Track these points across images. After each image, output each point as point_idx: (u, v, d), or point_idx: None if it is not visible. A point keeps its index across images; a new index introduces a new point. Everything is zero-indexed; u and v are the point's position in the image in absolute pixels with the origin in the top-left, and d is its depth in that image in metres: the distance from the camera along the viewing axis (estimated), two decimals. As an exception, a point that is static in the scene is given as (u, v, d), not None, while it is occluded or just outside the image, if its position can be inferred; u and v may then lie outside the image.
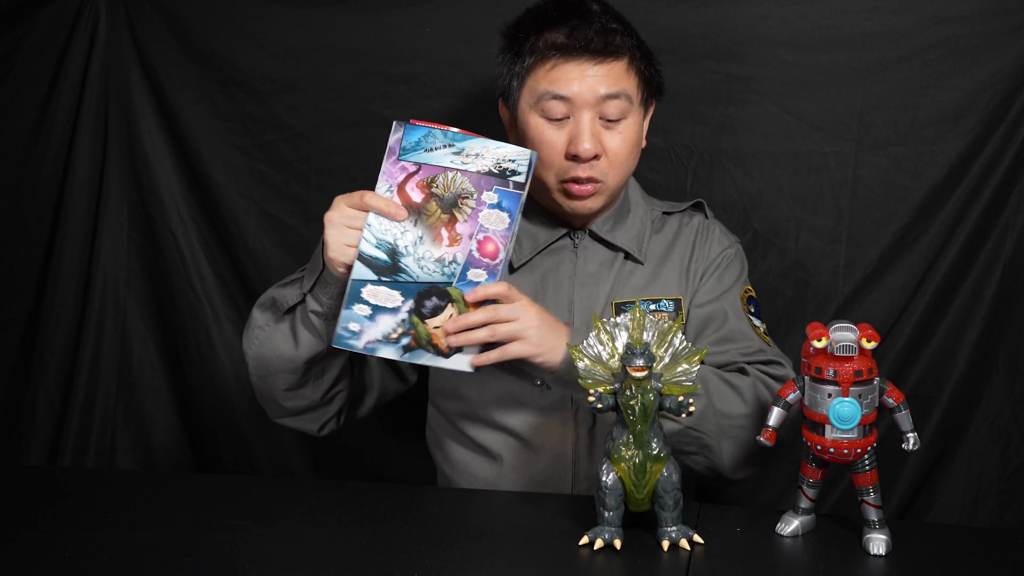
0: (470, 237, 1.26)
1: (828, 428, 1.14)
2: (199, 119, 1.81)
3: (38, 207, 1.84)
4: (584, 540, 1.16)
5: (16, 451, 1.86)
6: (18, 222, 1.83)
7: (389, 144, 1.25)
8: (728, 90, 1.67)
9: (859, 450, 1.14)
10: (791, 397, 1.17)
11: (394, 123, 1.25)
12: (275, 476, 1.88)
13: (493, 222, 1.26)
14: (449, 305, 1.27)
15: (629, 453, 1.13)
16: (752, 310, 1.47)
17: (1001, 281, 1.64)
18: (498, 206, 1.26)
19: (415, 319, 1.27)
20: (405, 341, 1.28)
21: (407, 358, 1.29)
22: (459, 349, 1.29)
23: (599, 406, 1.14)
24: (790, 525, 1.20)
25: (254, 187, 1.82)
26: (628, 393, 1.12)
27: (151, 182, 1.84)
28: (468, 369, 1.30)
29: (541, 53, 1.38)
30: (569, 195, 1.40)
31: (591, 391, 1.14)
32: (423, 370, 1.55)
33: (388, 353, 1.28)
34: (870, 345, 1.12)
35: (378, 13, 1.74)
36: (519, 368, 1.35)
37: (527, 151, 1.27)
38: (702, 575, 1.10)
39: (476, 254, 1.26)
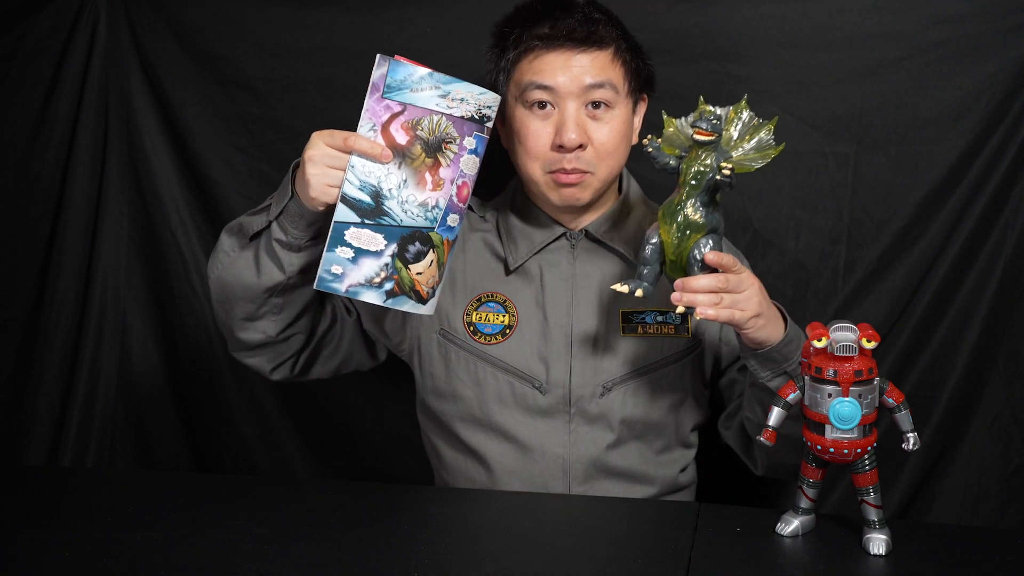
0: (451, 182, 1.25)
1: (828, 428, 1.14)
2: (199, 119, 1.81)
3: (38, 207, 1.83)
4: (616, 286, 1.28)
5: (16, 451, 1.86)
6: (18, 222, 1.83)
7: (372, 80, 1.21)
8: (728, 90, 1.67)
9: (859, 450, 1.14)
10: (791, 397, 1.17)
11: (378, 57, 1.21)
12: (275, 476, 1.88)
13: (469, 167, 1.27)
14: (430, 251, 1.25)
15: (674, 213, 1.24)
16: None
17: (1001, 281, 1.64)
18: (475, 151, 1.26)
19: (399, 264, 1.24)
20: (388, 286, 1.25)
21: (390, 304, 1.26)
22: (433, 294, 1.27)
23: (650, 150, 1.26)
24: (790, 525, 1.20)
25: (254, 187, 1.82)
26: (690, 157, 1.24)
27: (151, 182, 1.84)
28: (431, 312, 1.30)
29: (525, 45, 1.39)
30: (557, 185, 1.40)
31: (648, 141, 1.26)
32: (391, 356, 1.55)
33: (371, 297, 1.25)
34: (870, 345, 1.12)
35: (378, 13, 1.74)
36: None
37: (498, 96, 1.28)
38: (702, 575, 1.10)
39: (455, 199, 1.26)
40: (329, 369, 1.54)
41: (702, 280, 1.23)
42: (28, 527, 1.21)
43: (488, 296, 1.47)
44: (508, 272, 1.47)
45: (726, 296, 1.23)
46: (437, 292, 1.29)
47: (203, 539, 1.18)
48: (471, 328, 1.46)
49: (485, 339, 1.45)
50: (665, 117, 1.30)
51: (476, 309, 1.47)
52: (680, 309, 1.24)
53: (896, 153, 1.65)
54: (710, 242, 1.24)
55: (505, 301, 1.46)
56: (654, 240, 1.26)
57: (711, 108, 1.26)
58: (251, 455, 1.90)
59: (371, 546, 1.16)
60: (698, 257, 1.24)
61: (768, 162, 1.25)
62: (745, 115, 1.27)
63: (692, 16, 1.66)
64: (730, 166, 1.22)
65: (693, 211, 1.24)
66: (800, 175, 1.69)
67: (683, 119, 1.29)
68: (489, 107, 1.26)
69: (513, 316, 1.46)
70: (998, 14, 1.59)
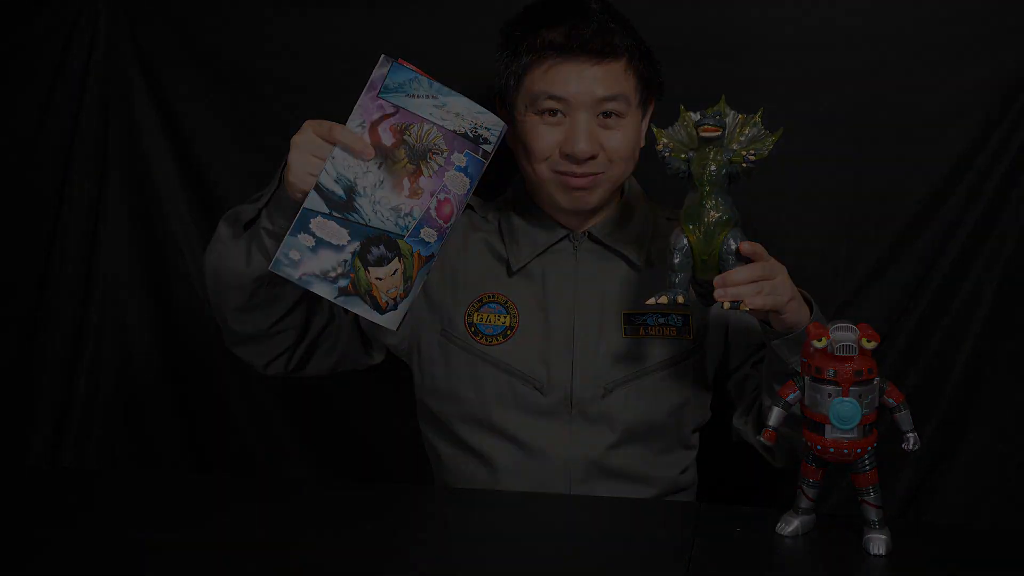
0: (432, 195, 1.24)
1: (828, 428, 1.14)
2: (199, 119, 1.81)
3: (38, 207, 1.83)
4: (652, 300, 1.26)
5: (16, 451, 1.86)
6: (18, 222, 1.83)
7: (371, 77, 1.22)
8: (728, 90, 1.67)
9: (859, 450, 1.14)
10: (791, 397, 1.17)
11: (382, 56, 1.22)
12: (275, 476, 1.88)
13: (456, 185, 1.25)
14: (396, 259, 1.24)
15: (698, 214, 1.24)
16: None
17: (1001, 281, 1.64)
18: (464, 170, 1.25)
19: (357, 263, 1.24)
20: (343, 283, 1.24)
21: (341, 301, 1.25)
22: (394, 307, 1.26)
23: (666, 155, 1.25)
24: (790, 525, 1.20)
25: (254, 187, 1.79)
26: (700, 157, 1.24)
27: (151, 182, 1.84)
28: (393, 327, 1.28)
29: (538, 52, 1.37)
30: (567, 188, 1.40)
31: (662, 146, 1.25)
32: (391, 356, 1.55)
33: (322, 290, 1.24)
34: (870, 345, 1.12)
35: (378, 13, 1.74)
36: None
37: (501, 122, 1.26)
38: (702, 575, 1.10)
39: (433, 213, 1.25)
40: (325, 367, 1.53)
41: (742, 272, 1.23)
42: (28, 527, 1.21)
43: (490, 297, 1.47)
44: (510, 273, 1.47)
45: (765, 284, 1.24)
46: (402, 307, 1.27)
47: (203, 539, 1.18)
48: (472, 329, 1.46)
49: (486, 340, 1.45)
50: (683, 110, 1.29)
51: (478, 310, 1.46)
52: (727, 305, 1.22)
53: (896, 153, 1.65)
54: (739, 234, 1.25)
55: (506, 302, 1.46)
56: (682, 245, 1.26)
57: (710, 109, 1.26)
58: (251, 455, 1.90)
59: (371, 546, 1.16)
60: (732, 249, 1.24)
61: (772, 147, 1.26)
62: (756, 129, 1.28)
63: (692, 16, 1.66)
64: (753, 151, 1.23)
65: (716, 208, 1.24)
66: (800, 175, 1.68)
67: (690, 114, 1.28)
68: (488, 128, 1.25)
69: (514, 317, 1.45)
70: (998, 14, 1.59)
